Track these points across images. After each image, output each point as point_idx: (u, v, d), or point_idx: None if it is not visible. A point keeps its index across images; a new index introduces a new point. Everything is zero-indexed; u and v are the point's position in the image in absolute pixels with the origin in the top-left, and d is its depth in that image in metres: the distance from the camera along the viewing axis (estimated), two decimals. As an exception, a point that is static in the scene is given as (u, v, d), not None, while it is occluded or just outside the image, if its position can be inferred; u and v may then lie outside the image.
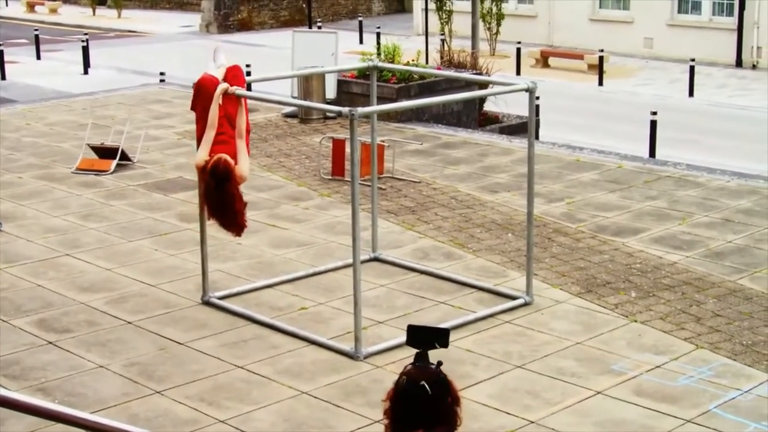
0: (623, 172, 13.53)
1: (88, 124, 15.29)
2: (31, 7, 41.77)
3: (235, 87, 8.57)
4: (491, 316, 8.95)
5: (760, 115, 21.24)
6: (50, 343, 8.55)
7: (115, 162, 13.80)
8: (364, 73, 15.92)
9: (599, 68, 25.37)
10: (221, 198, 8.27)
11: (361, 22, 33.13)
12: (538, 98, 11.93)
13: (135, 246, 10.90)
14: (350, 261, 8.66)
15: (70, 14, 40.71)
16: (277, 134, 15.90)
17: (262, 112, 17.09)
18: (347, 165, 12.80)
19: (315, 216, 11.85)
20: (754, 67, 26.77)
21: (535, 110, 9.95)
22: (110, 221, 11.73)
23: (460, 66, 18.15)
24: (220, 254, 10.38)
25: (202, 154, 8.39)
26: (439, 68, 17.44)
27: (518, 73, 26.13)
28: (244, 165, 8.43)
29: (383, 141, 13.41)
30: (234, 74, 8.85)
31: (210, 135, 8.43)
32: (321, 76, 16.25)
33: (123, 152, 13.99)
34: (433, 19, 28.67)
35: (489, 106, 18.39)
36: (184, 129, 16.01)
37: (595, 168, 13.78)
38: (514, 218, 11.61)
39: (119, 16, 39.71)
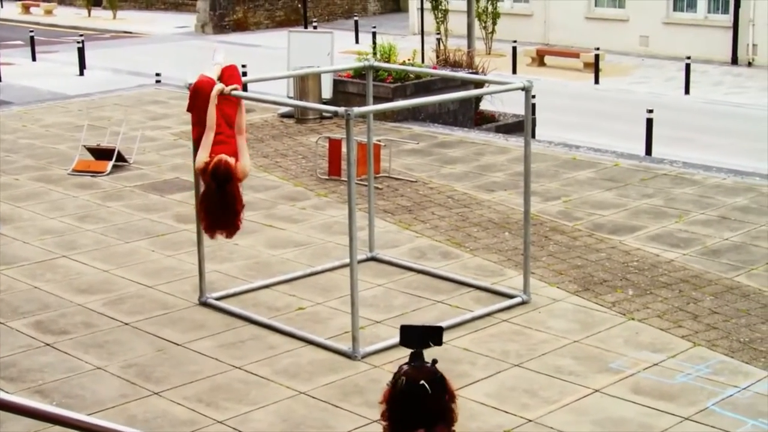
0: (619, 171, 13.53)
1: (84, 125, 15.26)
2: (26, 8, 41.76)
3: (230, 87, 8.57)
4: (488, 314, 8.95)
5: (755, 112, 21.26)
6: (48, 344, 8.54)
7: (111, 163, 13.78)
8: (360, 73, 15.92)
9: (595, 66, 25.39)
10: (223, 199, 8.27)
11: (356, 22, 33.13)
12: (534, 97, 11.92)
13: (132, 247, 10.90)
14: (347, 261, 8.65)
15: (66, 15, 40.69)
16: (274, 134, 15.89)
17: (259, 113, 17.07)
18: (344, 165, 12.78)
19: (312, 216, 11.84)
20: (749, 64, 26.79)
21: (531, 109, 9.94)
22: (107, 222, 11.72)
23: (456, 65, 18.14)
24: (217, 255, 10.38)
25: (203, 157, 8.38)
26: (435, 67, 17.43)
27: (514, 71, 26.15)
28: (245, 161, 8.44)
29: (380, 140, 13.40)
30: (230, 74, 8.84)
31: (209, 137, 8.42)
32: (317, 76, 16.23)
33: (119, 153, 13.98)
34: (429, 19, 28.69)
35: (485, 105, 18.40)
36: (180, 130, 15.99)
37: (591, 166, 13.78)
38: (510, 217, 11.61)
39: (114, 17, 39.70)
